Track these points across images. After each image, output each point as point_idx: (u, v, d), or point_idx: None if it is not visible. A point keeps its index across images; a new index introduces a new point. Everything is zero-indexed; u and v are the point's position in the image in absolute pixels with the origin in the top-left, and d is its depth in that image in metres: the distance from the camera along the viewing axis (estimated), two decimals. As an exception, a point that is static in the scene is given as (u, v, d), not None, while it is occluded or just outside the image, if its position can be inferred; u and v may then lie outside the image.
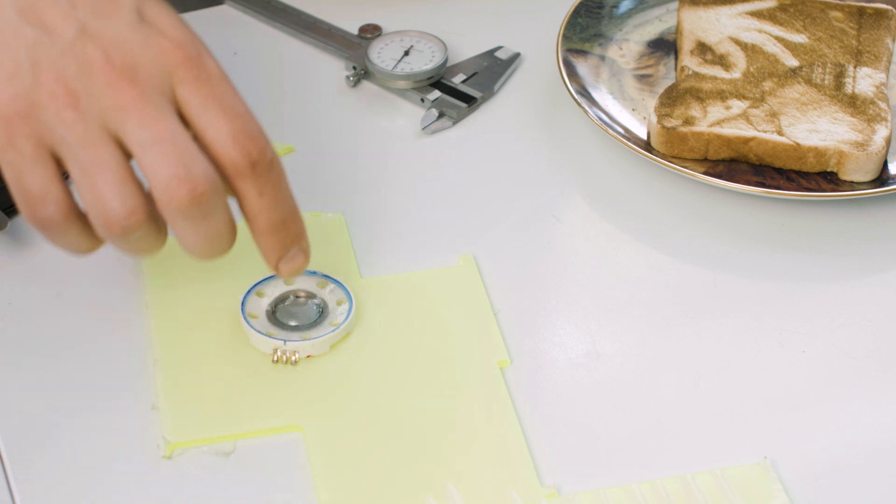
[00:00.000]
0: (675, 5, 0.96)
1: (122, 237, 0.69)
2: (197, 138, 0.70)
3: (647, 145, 0.86)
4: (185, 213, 0.68)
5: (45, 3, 0.70)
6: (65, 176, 0.69)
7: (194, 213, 0.68)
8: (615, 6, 0.95)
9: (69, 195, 0.70)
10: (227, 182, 0.70)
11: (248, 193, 0.70)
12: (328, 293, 0.78)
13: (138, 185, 0.68)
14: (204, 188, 0.68)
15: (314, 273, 0.79)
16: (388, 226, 0.84)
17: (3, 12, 0.70)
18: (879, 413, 0.74)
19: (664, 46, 0.94)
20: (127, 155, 0.69)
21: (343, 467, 0.71)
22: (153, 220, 0.69)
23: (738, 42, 0.91)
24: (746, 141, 0.85)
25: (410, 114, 0.91)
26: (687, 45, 0.91)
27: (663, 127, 0.85)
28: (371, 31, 0.95)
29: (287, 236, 0.73)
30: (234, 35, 0.96)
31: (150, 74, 0.69)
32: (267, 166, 0.70)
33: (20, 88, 0.68)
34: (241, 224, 0.83)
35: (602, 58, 0.92)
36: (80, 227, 0.70)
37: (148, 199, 0.69)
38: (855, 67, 0.90)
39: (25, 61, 0.69)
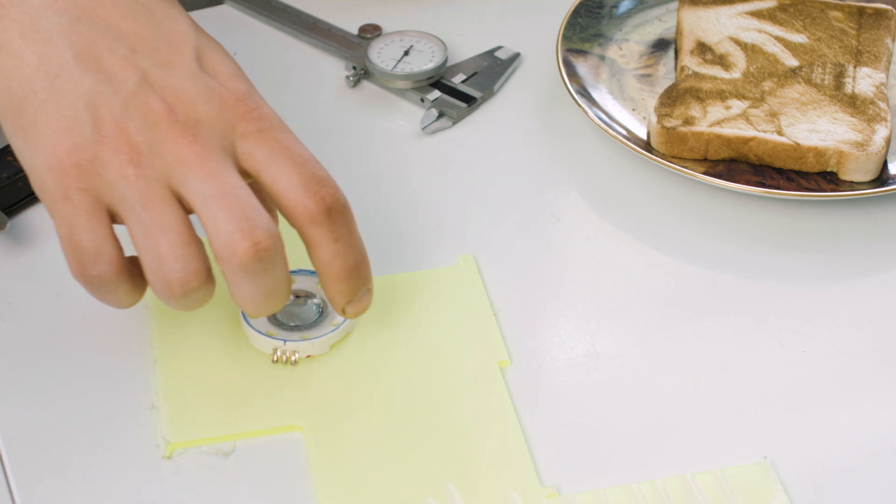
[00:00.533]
0: (675, 5, 0.96)
1: (181, 298, 0.67)
2: (266, 190, 0.68)
3: (647, 145, 0.86)
4: (246, 268, 0.66)
5: (104, 46, 0.67)
6: None
7: (256, 268, 0.66)
8: (615, 6, 0.95)
9: (121, 252, 0.68)
10: (299, 231, 0.69)
11: (322, 240, 0.69)
12: (328, 293, 0.78)
13: (200, 246, 0.67)
14: (267, 243, 0.66)
15: (314, 273, 0.79)
16: (388, 226, 0.84)
17: (60, 54, 0.67)
18: (879, 413, 0.74)
19: (664, 46, 0.94)
20: (187, 210, 0.67)
21: (343, 467, 0.71)
22: (212, 280, 0.68)
23: (737, 42, 0.91)
24: (746, 141, 0.85)
25: (410, 114, 0.91)
26: (687, 45, 0.91)
27: (663, 127, 0.85)
28: (371, 31, 0.95)
29: (359, 280, 0.71)
30: (234, 35, 0.96)
31: (212, 129, 0.67)
32: (341, 211, 0.69)
33: (80, 140, 0.66)
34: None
35: (602, 58, 0.92)
36: (130, 284, 0.69)
37: (207, 259, 0.67)
38: (855, 67, 0.90)
39: (84, 110, 0.66)
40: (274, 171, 0.68)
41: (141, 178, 0.66)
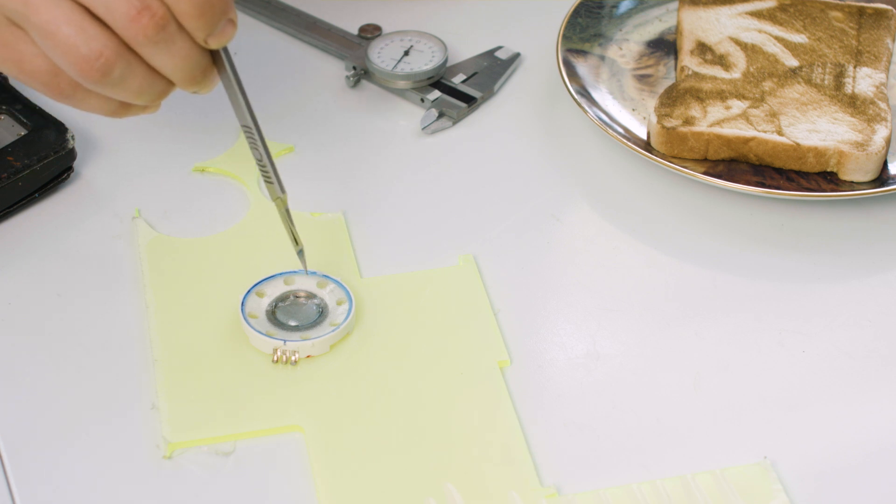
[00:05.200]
0: (675, 5, 0.96)
1: (103, 80, 0.71)
2: None
3: (647, 145, 0.86)
4: (152, 39, 0.70)
5: None
6: None
7: (162, 37, 0.70)
8: (615, 6, 0.95)
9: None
10: None
11: None
12: (328, 293, 0.78)
13: (100, 26, 0.70)
14: (161, 12, 0.70)
15: (314, 273, 0.79)
16: (388, 226, 0.84)
17: None
18: (879, 413, 0.74)
19: (664, 46, 0.94)
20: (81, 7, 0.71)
21: (343, 467, 0.71)
22: (126, 55, 0.71)
23: (738, 42, 0.91)
24: (746, 141, 0.85)
25: (410, 114, 0.91)
26: (687, 45, 0.91)
27: (663, 127, 0.85)
28: (371, 31, 0.95)
29: (214, 14, 0.73)
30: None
31: None
32: None
33: None
34: (235, 229, 0.84)
35: (602, 58, 0.92)
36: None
37: (115, 36, 0.70)
38: (855, 67, 0.90)
39: None
40: None
41: None
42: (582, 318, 0.79)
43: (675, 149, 0.85)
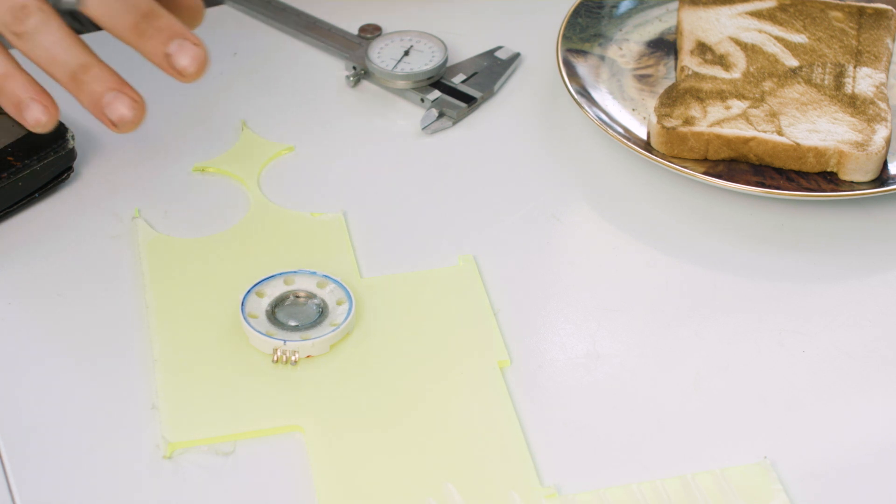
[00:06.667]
0: (675, 5, 0.96)
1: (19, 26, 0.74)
2: None
3: (647, 145, 0.86)
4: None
5: None
6: None
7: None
8: (615, 6, 0.95)
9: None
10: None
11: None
12: (328, 293, 0.78)
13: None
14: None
15: (314, 273, 0.79)
16: (388, 226, 0.84)
17: None
18: (879, 413, 0.74)
19: (664, 46, 0.94)
20: None
21: (343, 467, 0.71)
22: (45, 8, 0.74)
23: (738, 42, 0.91)
24: (746, 141, 0.85)
25: (410, 114, 0.91)
26: (687, 45, 0.91)
27: (663, 127, 0.85)
28: (371, 31, 0.95)
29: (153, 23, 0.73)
30: (234, 35, 0.96)
31: None
32: None
33: None
34: (235, 229, 0.84)
35: (602, 58, 0.92)
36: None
37: None
38: (855, 67, 0.90)
39: None
40: None
41: None
42: (582, 318, 0.79)
43: (675, 149, 0.85)
